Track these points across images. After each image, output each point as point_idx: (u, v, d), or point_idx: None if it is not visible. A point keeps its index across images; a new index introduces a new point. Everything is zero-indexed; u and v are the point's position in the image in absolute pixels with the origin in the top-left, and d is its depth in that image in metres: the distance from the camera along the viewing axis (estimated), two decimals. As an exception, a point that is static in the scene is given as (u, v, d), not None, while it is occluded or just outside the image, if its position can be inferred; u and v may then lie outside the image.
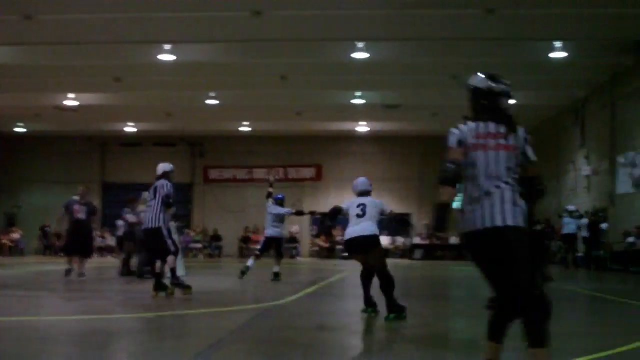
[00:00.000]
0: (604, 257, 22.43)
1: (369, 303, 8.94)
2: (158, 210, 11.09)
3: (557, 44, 19.87)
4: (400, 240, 33.17)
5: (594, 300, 12.61)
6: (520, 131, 4.61)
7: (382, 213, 9.04)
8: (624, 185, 22.72)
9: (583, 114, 26.79)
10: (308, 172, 35.44)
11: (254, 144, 34.72)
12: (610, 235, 22.98)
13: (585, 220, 22.74)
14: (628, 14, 17.89)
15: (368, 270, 8.89)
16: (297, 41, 20.12)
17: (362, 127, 33.32)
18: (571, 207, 22.03)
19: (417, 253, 31.67)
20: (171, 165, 11.74)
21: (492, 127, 4.44)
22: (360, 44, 19.87)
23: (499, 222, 4.20)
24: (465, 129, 4.44)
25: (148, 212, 11.32)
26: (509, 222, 4.20)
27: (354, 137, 34.90)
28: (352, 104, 27.32)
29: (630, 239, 20.88)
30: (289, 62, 22.44)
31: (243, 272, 15.10)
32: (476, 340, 6.87)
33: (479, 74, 4.64)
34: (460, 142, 4.41)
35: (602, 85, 24.67)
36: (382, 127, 33.09)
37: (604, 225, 22.97)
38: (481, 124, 4.45)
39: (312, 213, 18.33)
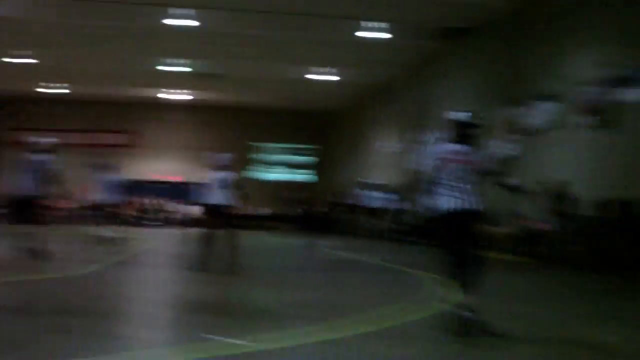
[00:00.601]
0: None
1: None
2: None
3: (372, 24, 20.58)
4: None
5: (387, 270, 13.11)
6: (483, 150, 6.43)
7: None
8: (425, 163, 23.79)
9: (391, 93, 27.90)
10: (121, 138, 34.56)
11: (67, 107, 33.32)
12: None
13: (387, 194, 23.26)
14: (446, 2, 18.81)
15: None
16: (111, 3, 19.46)
17: (180, 96, 32.91)
18: (373, 181, 22.38)
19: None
20: None
21: (463, 148, 6.26)
22: (178, 10, 19.55)
23: (466, 206, 6.12)
24: (445, 149, 6.39)
25: None
26: (467, 207, 6.12)
27: (171, 105, 34.43)
28: (168, 71, 26.86)
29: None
30: (106, 25, 21.58)
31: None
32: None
33: (461, 113, 6.50)
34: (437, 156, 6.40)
35: (412, 67, 25.78)
36: (199, 96, 32.82)
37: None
38: (457, 146, 6.29)
39: None
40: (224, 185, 10.64)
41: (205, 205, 10.83)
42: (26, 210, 11.00)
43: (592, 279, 11.83)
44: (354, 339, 5.65)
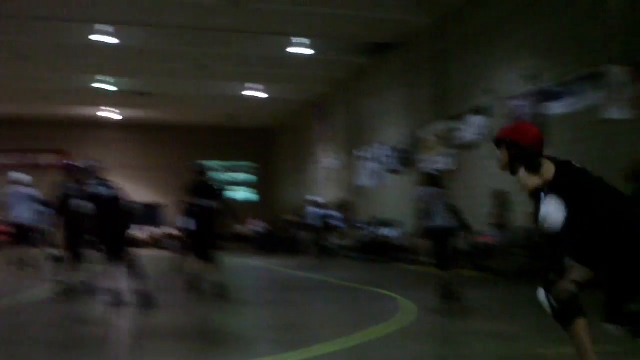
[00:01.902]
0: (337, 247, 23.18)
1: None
2: None
3: (300, 40, 20.72)
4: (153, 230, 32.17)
5: (339, 289, 13.16)
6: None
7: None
8: (362, 179, 24.03)
9: (325, 109, 28.03)
10: (51, 158, 33.81)
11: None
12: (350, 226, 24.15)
13: (330, 212, 23.23)
14: (366, 17, 18.98)
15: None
16: (37, 20, 19.08)
17: (111, 114, 32.40)
18: (317, 198, 22.40)
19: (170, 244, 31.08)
20: None
21: (434, 190, 9.41)
22: (104, 27, 19.28)
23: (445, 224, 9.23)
24: (426, 191, 9.50)
25: None
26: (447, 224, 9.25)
27: (103, 124, 33.89)
28: (98, 88, 26.40)
29: (388, 231, 21.17)
30: (28, 41, 21.15)
31: None
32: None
33: (431, 168, 10.75)
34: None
35: (342, 83, 25.96)
36: (132, 114, 32.41)
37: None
38: (430, 189, 9.47)
39: None
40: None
41: None
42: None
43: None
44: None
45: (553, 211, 3.89)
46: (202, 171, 10.41)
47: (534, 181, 4.03)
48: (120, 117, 32.95)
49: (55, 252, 13.35)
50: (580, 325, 3.91)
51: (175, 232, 29.32)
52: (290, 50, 21.14)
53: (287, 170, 34.08)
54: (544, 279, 4.13)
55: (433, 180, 9.63)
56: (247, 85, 26.72)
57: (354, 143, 25.04)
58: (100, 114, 32.40)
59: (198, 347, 6.29)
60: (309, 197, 22.77)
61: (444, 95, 18.63)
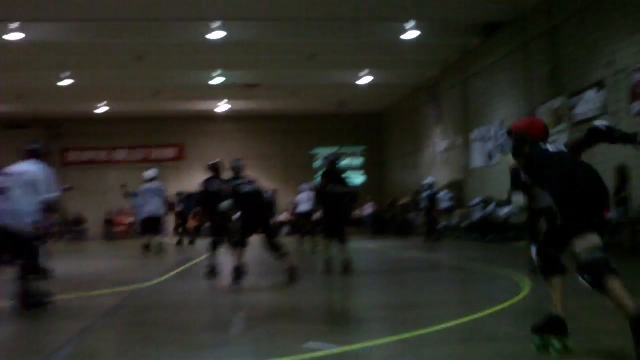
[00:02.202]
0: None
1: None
2: None
3: (410, 24, 20.53)
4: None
5: (454, 269, 13.18)
6: None
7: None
8: (477, 159, 23.81)
9: (437, 92, 27.79)
10: (170, 152, 35.01)
11: (113, 124, 33.87)
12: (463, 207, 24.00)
13: (441, 192, 23.19)
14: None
15: None
16: (152, 21, 19.80)
17: (222, 107, 33.19)
18: (428, 180, 22.28)
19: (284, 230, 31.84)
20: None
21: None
22: (215, 24, 19.75)
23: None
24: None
25: None
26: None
27: (214, 117, 34.70)
28: (210, 83, 27.08)
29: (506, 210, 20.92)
30: (144, 42, 22.00)
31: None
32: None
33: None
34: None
35: (452, 65, 25.69)
36: (242, 106, 33.10)
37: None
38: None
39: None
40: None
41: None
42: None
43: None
44: (432, 338, 5.60)
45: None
46: (334, 160, 11.47)
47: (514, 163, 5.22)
48: (232, 109, 33.69)
49: (181, 238, 14.01)
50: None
51: (289, 217, 30.16)
52: (399, 35, 21.06)
53: (398, 154, 34.01)
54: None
55: None
56: (357, 72, 26.83)
57: (465, 124, 24.80)
58: (213, 107, 33.26)
59: (319, 328, 6.38)
60: (424, 180, 22.73)
61: (559, 71, 18.18)
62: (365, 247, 19.47)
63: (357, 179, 33.57)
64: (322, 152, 35.71)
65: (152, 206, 15.69)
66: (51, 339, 5.96)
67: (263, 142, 35.09)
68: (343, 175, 11.50)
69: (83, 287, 10.18)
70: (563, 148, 5.02)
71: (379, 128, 36.59)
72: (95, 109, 31.86)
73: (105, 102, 31.15)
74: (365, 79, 27.40)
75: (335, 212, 11.18)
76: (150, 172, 13.32)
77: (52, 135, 34.55)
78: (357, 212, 28.63)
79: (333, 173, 11.37)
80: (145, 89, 28.27)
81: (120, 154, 33.64)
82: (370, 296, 9.15)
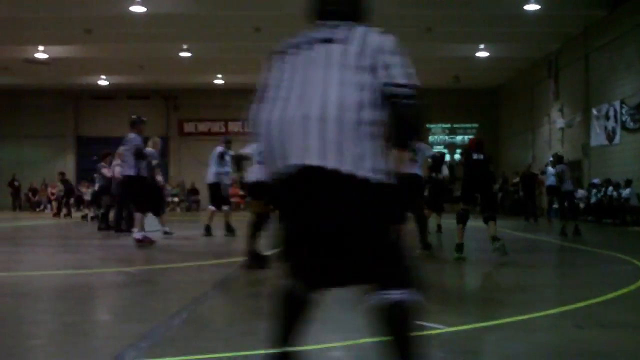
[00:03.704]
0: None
1: None
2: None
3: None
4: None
5: (571, 251, 12.79)
6: None
7: None
8: (597, 138, 22.93)
9: (557, 67, 26.89)
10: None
11: (229, 97, 34.44)
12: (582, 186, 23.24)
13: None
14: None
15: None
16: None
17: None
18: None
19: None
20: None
21: None
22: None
23: None
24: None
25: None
26: None
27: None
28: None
29: (627, 192, 20.12)
30: (263, 14, 22.20)
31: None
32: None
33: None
34: None
35: (575, 38, 24.75)
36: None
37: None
38: None
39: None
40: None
41: None
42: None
43: None
44: (543, 322, 5.43)
45: None
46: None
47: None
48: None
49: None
50: None
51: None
52: (522, 6, 20.46)
53: (513, 131, 33.21)
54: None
55: None
56: (475, 45, 26.26)
57: (586, 101, 23.91)
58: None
59: (428, 307, 6.27)
60: (538, 157, 22.12)
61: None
62: (477, 226, 19.11)
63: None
64: (435, 129, 35.31)
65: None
66: (167, 306, 6.11)
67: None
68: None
69: (197, 257, 10.45)
70: None
71: (493, 104, 35.77)
72: (212, 80, 32.52)
73: (221, 74, 31.73)
74: (482, 53, 26.79)
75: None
76: None
77: (170, 106, 35.62)
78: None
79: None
80: (262, 61, 28.48)
81: (235, 127, 34.22)
82: (481, 277, 8.97)
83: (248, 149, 9.31)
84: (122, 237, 14.43)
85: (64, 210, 26.58)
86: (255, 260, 8.45)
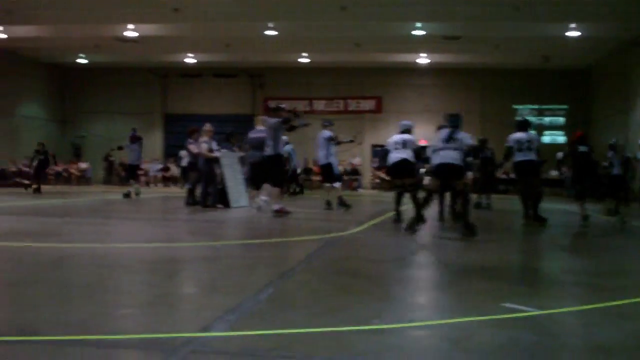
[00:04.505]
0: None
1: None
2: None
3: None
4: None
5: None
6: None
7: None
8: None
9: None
10: (368, 104, 35.24)
11: (314, 75, 34.54)
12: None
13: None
14: None
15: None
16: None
17: (423, 59, 32.78)
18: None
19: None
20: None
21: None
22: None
23: None
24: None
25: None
26: None
27: (414, 69, 34.40)
28: (412, 35, 26.77)
29: None
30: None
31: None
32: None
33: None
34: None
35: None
36: (442, 59, 32.57)
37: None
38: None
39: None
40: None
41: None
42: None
43: None
44: (635, 310, 5.23)
45: None
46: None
47: None
48: (432, 62, 33.25)
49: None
50: None
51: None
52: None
53: (604, 114, 32.17)
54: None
55: None
56: (565, 24, 25.48)
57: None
58: (413, 59, 32.96)
59: (516, 289, 6.09)
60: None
61: None
62: (561, 209, 18.67)
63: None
64: (523, 110, 34.53)
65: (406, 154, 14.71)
66: (253, 280, 6.16)
67: (461, 96, 34.39)
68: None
69: (285, 233, 10.51)
70: None
71: (584, 86, 34.68)
72: (298, 59, 32.60)
73: (307, 52, 31.77)
74: (573, 32, 25.99)
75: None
76: (406, 122, 12.92)
77: (255, 84, 35.90)
78: (557, 174, 27.51)
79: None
80: (347, 40, 28.49)
81: (319, 105, 34.28)
82: (573, 260, 8.73)
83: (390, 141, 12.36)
84: (209, 212, 14.66)
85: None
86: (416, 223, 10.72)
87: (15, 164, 31.38)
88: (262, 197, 14.56)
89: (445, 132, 10.66)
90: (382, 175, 33.28)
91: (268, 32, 26.52)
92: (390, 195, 21.52)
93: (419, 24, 25.70)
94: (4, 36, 27.50)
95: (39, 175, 23.94)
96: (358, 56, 31.73)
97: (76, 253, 7.87)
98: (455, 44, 28.25)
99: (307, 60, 32.74)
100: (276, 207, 13.51)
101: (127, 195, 20.56)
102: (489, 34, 27.11)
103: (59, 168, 33.44)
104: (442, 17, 25.07)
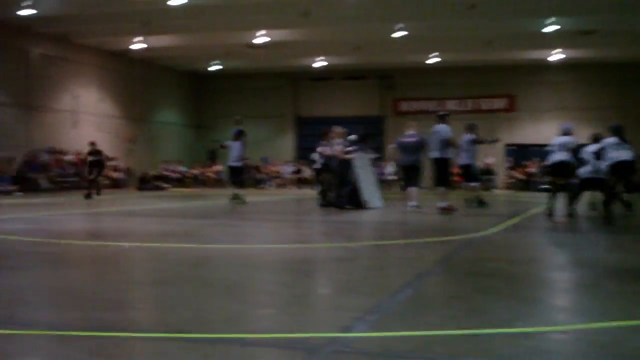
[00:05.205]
0: None
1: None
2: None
3: None
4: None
5: None
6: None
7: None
8: None
9: None
10: (500, 103, 34.53)
11: (444, 75, 34.14)
12: None
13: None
14: None
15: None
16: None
17: (556, 55, 31.73)
18: None
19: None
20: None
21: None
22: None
23: None
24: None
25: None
26: None
27: (547, 66, 33.36)
28: (544, 31, 25.94)
29: None
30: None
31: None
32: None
33: None
34: None
35: None
36: (577, 54, 31.41)
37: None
38: None
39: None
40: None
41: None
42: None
43: None
44: None
45: None
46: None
47: None
48: (566, 58, 32.14)
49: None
50: None
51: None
52: None
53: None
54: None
55: None
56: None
57: None
58: (546, 56, 31.99)
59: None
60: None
61: None
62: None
63: None
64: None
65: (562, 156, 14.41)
66: (389, 281, 6.15)
67: (598, 92, 33.08)
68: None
69: (414, 234, 10.44)
70: None
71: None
72: (427, 59, 32.33)
73: (437, 52, 31.46)
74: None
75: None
76: (566, 126, 13.39)
77: (385, 85, 35.88)
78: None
79: None
80: (477, 38, 28.00)
81: (451, 105, 33.85)
82: None
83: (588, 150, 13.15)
84: (343, 213, 14.77)
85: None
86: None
87: (157, 168, 33.00)
88: (410, 203, 15.25)
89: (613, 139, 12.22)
90: (518, 174, 32.51)
91: (397, 34, 26.40)
92: (524, 196, 21.14)
93: (551, 19, 24.88)
94: (144, 46, 28.69)
95: (92, 179, 21.94)
96: (489, 54, 31.12)
97: (216, 253, 8.12)
98: (591, 38, 27.21)
99: (437, 60, 32.41)
100: (443, 204, 14.53)
101: (236, 198, 18.56)
102: (628, 26, 25.88)
103: (196, 171, 34.74)
104: (576, 11, 24.18)
